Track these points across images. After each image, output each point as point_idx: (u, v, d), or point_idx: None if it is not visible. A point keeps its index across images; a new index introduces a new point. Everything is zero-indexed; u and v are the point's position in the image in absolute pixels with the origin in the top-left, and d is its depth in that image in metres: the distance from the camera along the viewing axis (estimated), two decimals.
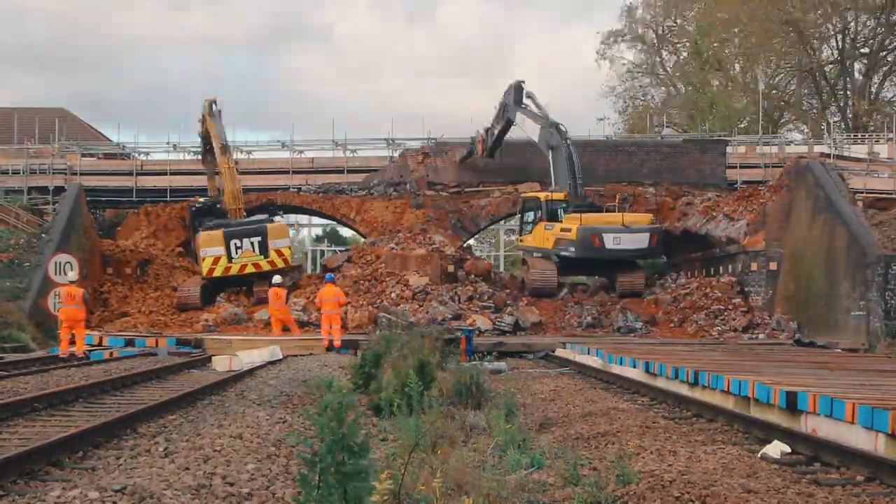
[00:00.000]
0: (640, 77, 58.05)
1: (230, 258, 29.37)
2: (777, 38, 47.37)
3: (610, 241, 30.21)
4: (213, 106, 31.36)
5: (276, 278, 26.06)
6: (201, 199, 32.93)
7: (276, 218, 33.91)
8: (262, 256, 29.37)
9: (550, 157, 31.84)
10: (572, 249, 30.41)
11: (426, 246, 31.26)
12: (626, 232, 30.22)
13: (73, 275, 23.78)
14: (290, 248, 29.44)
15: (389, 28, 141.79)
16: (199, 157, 38.65)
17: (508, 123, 33.56)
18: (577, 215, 30.59)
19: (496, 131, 34.26)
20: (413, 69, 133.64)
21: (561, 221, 30.82)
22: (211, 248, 29.60)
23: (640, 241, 30.53)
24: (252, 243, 29.22)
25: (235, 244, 29.28)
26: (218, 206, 31.40)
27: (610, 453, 8.62)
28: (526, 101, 33.02)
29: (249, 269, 29.63)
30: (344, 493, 4.68)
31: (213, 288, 30.45)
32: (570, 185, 31.10)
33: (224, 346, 23.88)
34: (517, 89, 33.06)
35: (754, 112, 45.58)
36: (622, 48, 57.52)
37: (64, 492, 6.37)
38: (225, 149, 31.05)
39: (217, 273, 29.77)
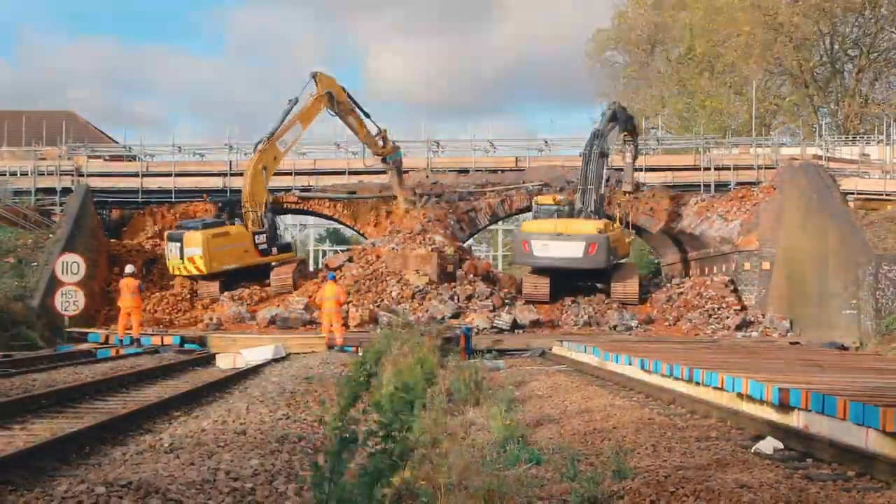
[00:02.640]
0: (632, 80, 58.04)
1: (168, 258, 30.49)
2: (767, 41, 47.33)
3: (539, 249, 28.75)
4: None
5: (129, 268, 26.34)
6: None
7: (286, 218, 34.22)
8: (181, 262, 29.89)
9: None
10: (515, 256, 29.87)
11: (426, 246, 31.26)
12: (556, 239, 28.47)
13: (129, 268, 26.19)
14: (202, 256, 29.46)
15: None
16: (202, 159, 38.77)
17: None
18: (533, 222, 30.04)
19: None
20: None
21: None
22: (165, 247, 30.93)
23: (573, 249, 28.40)
24: (176, 248, 29.89)
25: (170, 247, 30.27)
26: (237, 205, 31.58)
27: (606, 449, 8.61)
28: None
29: (177, 272, 30.41)
30: (353, 488, 4.68)
31: (230, 279, 30.90)
32: (580, 189, 30.56)
33: (228, 344, 23.92)
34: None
35: (747, 114, 45.57)
36: (614, 53, 57.59)
37: (71, 486, 6.37)
38: (265, 140, 30.88)
39: (170, 271, 30.76)
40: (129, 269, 26.15)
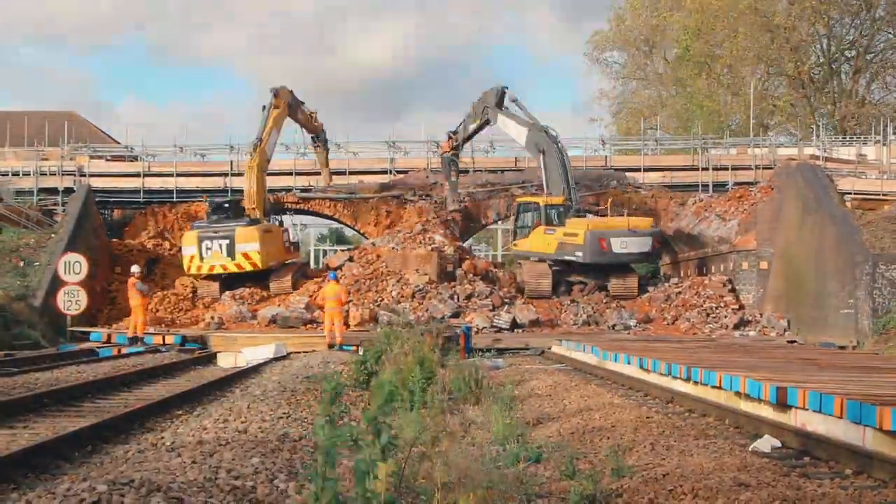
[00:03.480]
0: (630, 80, 58.11)
1: (201, 258, 29.70)
2: (764, 43, 47.36)
3: (617, 246, 30.00)
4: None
5: (135, 268, 26.23)
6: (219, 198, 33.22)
7: (285, 219, 34.27)
8: (230, 259, 29.55)
9: (541, 161, 31.45)
10: (579, 254, 30.09)
11: (426, 245, 31.27)
12: (632, 236, 30.05)
13: (135, 268, 26.00)
14: (258, 252, 29.46)
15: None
16: (203, 159, 38.81)
17: (485, 123, 33.18)
18: (582, 220, 30.51)
19: (471, 128, 33.67)
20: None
21: (563, 226, 30.50)
22: (187, 248, 30.06)
23: (645, 244, 30.42)
24: (221, 245, 29.45)
25: (206, 245, 29.57)
26: (240, 204, 31.42)
27: (605, 447, 8.61)
28: (509, 104, 32.51)
29: (218, 270, 29.95)
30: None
31: (235, 281, 30.71)
32: (563, 188, 30.84)
33: (229, 343, 23.94)
34: (499, 93, 32.52)
35: (744, 114, 45.57)
36: (613, 53, 57.61)
37: (73, 484, 6.36)
38: (255, 147, 31.21)
39: (192, 271, 30.26)
40: (135, 268, 26.02)
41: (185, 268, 30.33)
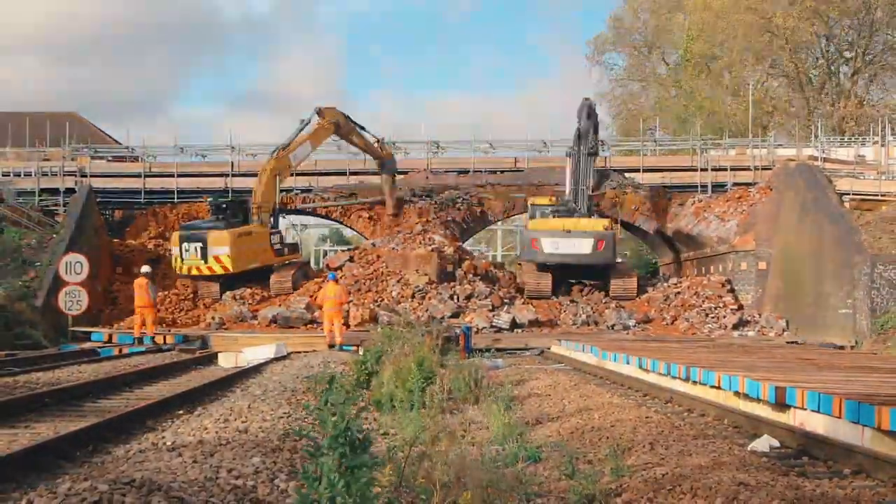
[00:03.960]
0: (630, 82, 58.09)
1: (182, 258, 29.80)
2: (764, 44, 47.36)
3: (548, 246, 29.60)
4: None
5: (145, 268, 26.26)
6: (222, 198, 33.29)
7: (283, 219, 34.28)
8: (203, 261, 29.56)
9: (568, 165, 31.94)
10: (520, 253, 30.47)
11: (426, 246, 31.28)
12: (567, 237, 29.43)
13: (146, 268, 26.18)
14: (229, 255, 29.39)
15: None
16: (204, 158, 38.81)
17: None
18: (536, 220, 30.56)
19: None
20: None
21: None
22: (174, 248, 30.29)
23: (583, 246, 29.42)
24: (196, 248, 29.48)
25: (185, 247, 29.62)
26: (243, 204, 31.62)
27: (604, 447, 8.61)
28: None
29: (194, 272, 30.00)
30: (346, 486, 4.68)
31: (236, 281, 30.76)
32: (571, 189, 31.06)
33: (230, 343, 23.93)
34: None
35: (744, 115, 45.56)
36: (613, 55, 57.62)
37: (74, 484, 6.36)
38: (276, 151, 31.53)
39: (177, 271, 30.41)
40: (145, 269, 26.13)
41: (173, 267, 30.54)
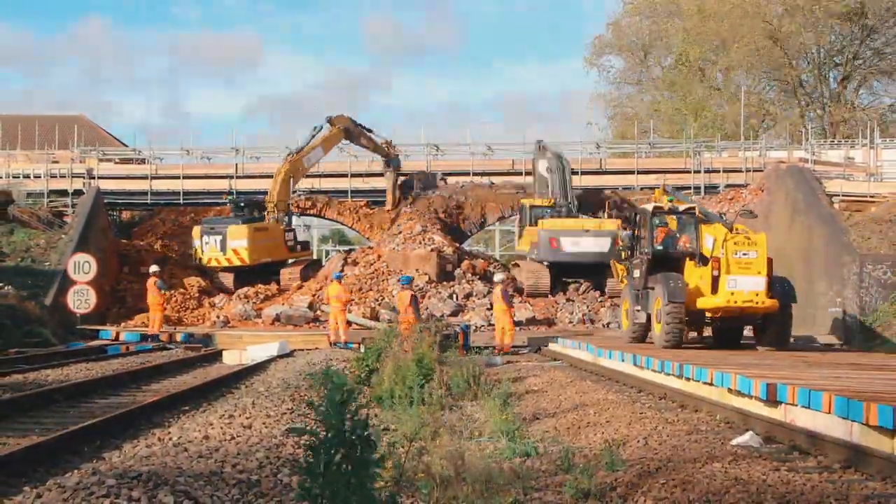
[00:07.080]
0: (627, 85, 58.08)
1: (202, 251, 30.90)
2: (758, 48, 47.33)
3: (568, 245, 29.76)
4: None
5: (153, 267, 26.74)
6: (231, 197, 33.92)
7: (294, 219, 34.70)
8: (222, 253, 30.60)
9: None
10: (536, 253, 30.46)
11: (426, 246, 31.28)
12: (585, 236, 29.68)
13: (154, 267, 26.74)
14: (246, 248, 30.49)
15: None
16: (209, 161, 38.81)
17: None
18: (546, 220, 30.59)
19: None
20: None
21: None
22: (195, 241, 31.26)
23: (601, 245, 29.53)
24: (216, 241, 30.56)
25: (206, 240, 30.69)
26: (261, 204, 32.47)
27: (600, 442, 8.63)
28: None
29: (213, 264, 30.97)
30: (348, 482, 4.69)
31: (248, 275, 31.35)
32: (560, 192, 31.27)
33: (234, 340, 23.94)
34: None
35: (736, 118, 45.58)
36: (611, 58, 57.55)
37: (83, 479, 6.37)
38: (289, 155, 32.68)
39: (197, 262, 31.36)
40: (154, 268, 26.58)
41: (194, 258, 31.50)
